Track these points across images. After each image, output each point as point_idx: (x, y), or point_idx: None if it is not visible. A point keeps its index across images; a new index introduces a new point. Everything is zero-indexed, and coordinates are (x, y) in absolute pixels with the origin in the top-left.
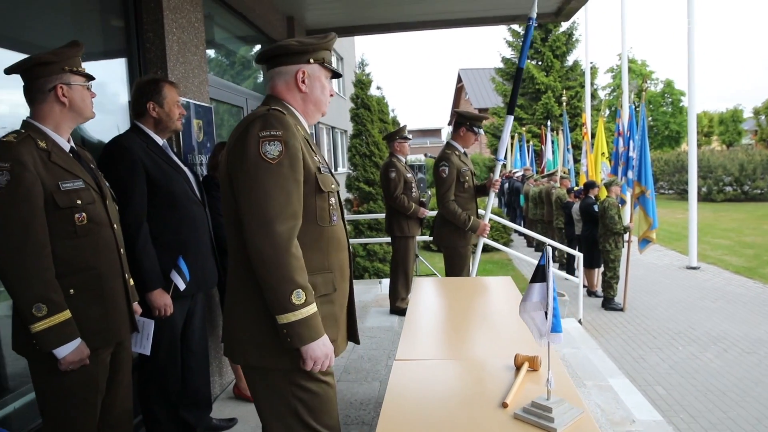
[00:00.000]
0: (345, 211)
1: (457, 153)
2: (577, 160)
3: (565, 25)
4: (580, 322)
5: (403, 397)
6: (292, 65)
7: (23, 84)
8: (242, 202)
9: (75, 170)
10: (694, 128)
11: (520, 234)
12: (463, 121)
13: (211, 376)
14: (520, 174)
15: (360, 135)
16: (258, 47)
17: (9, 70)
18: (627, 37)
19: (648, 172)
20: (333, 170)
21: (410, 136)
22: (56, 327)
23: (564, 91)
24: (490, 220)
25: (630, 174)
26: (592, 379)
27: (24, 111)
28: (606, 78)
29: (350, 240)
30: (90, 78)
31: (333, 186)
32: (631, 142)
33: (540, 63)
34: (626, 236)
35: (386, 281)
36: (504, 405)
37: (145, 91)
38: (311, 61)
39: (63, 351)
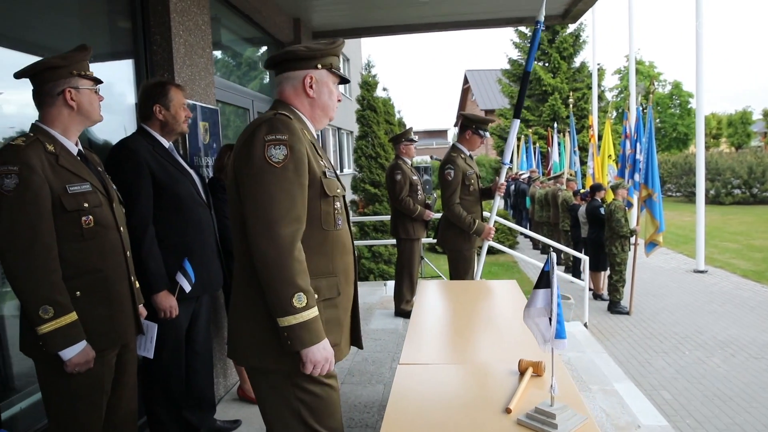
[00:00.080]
0: (351, 213)
1: (462, 156)
2: (583, 162)
3: (572, 27)
4: (585, 325)
5: (407, 401)
6: (299, 70)
7: (32, 88)
8: (247, 205)
9: (82, 173)
10: (702, 130)
11: (526, 236)
12: (469, 124)
13: (215, 377)
14: (526, 176)
15: (366, 136)
16: (264, 49)
17: (18, 75)
18: (635, 39)
19: (655, 174)
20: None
21: (416, 139)
22: (62, 329)
23: (571, 93)
24: (496, 222)
25: (637, 177)
26: (597, 384)
27: (31, 111)
28: (613, 79)
29: (355, 241)
30: (98, 82)
31: (338, 190)
32: (638, 144)
33: (547, 64)
34: (633, 239)
35: (391, 283)
36: (507, 410)
37: (151, 94)
38: (319, 66)
39: (69, 353)
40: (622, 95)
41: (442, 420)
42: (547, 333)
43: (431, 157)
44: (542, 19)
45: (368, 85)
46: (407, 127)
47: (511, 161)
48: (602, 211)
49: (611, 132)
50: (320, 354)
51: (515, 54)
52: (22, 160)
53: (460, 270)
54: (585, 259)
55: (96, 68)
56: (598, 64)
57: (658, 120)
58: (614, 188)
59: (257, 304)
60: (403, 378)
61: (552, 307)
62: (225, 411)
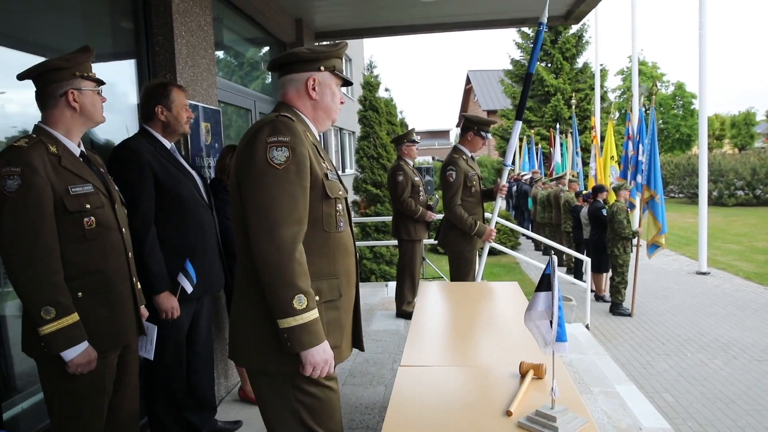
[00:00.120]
0: (353, 213)
1: (464, 157)
2: (586, 163)
3: (575, 27)
4: (587, 327)
5: (408, 404)
6: (302, 73)
7: (35, 89)
8: (249, 207)
9: (85, 175)
10: (705, 131)
11: (528, 237)
12: (470, 126)
13: (216, 378)
14: (528, 177)
15: (368, 137)
16: (266, 49)
17: (21, 76)
18: (637, 39)
19: (657, 176)
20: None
21: (418, 140)
22: (64, 330)
23: (573, 94)
24: (497, 223)
25: (639, 178)
26: (599, 386)
27: (33, 110)
28: (616, 80)
29: (357, 242)
30: (100, 83)
31: (340, 192)
32: (640, 146)
33: (549, 65)
34: (635, 241)
35: (393, 284)
36: (508, 413)
37: (153, 95)
38: (322, 68)
39: (71, 353)
40: (624, 96)
41: (442, 422)
42: (548, 336)
43: (433, 158)
44: (545, 20)
45: (370, 85)
46: (409, 128)
47: (513, 163)
48: (604, 212)
49: (614, 133)
50: (320, 356)
51: (518, 54)
52: (25, 162)
53: (461, 271)
54: (587, 261)
55: (98, 68)
56: (601, 65)
57: (660, 121)
58: (616, 190)
59: (258, 306)
60: (404, 380)
61: (553, 310)
62: (226, 412)
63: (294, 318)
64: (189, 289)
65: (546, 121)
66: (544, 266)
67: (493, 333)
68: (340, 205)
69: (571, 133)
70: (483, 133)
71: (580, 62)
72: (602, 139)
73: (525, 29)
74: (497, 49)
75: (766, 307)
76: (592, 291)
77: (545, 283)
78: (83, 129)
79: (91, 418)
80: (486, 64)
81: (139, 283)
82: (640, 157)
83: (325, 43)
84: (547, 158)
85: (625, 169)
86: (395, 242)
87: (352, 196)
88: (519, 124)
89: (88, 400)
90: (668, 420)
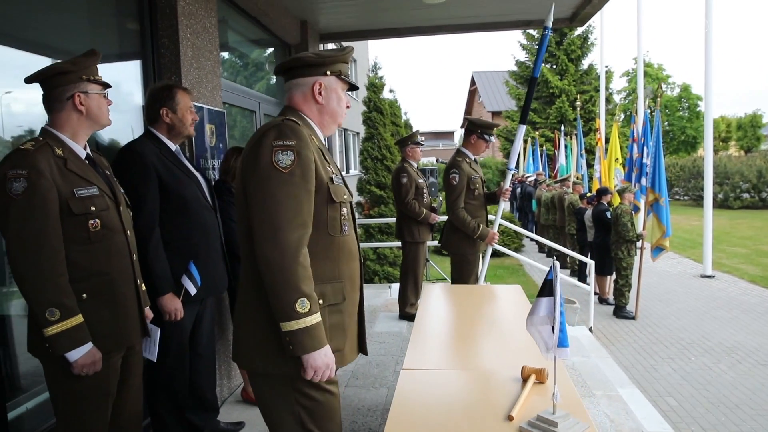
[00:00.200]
0: (356, 214)
1: (467, 160)
2: (590, 165)
3: (580, 29)
4: (590, 329)
5: (410, 407)
6: (309, 77)
7: (42, 92)
8: (253, 210)
9: (90, 177)
10: (710, 133)
11: (532, 239)
12: (474, 129)
13: (219, 379)
14: (532, 179)
15: (372, 138)
16: (271, 51)
17: (29, 80)
18: (643, 41)
19: (662, 179)
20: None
21: (422, 142)
22: (68, 331)
23: (578, 96)
24: (501, 225)
25: (644, 181)
26: (602, 389)
27: (39, 109)
28: (621, 82)
29: (361, 243)
30: (106, 86)
31: (345, 196)
32: (645, 148)
33: (554, 66)
34: (639, 244)
35: (396, 286)
36: (509, 418)
37: (158, 98)
38: (328, 73)
39: (75, 354)
40: (630, 98)
41: (444, 426)
42: (549, 341)
43: (437, 160)
44: (550, 24)
45: (375, 86)
46: (413, 130)
47: (517, 164)
48: (608, 215)
49: (619, 135)
50: (321, 360)
51: (523, 56)
52: (31, 164)
53: (463, 274)
54: (591, 263)
55: (104, 70)
56: (606, 67)
57: (666, 123)
58: (621, 192)
59: (261, 308)
60: (406, 383)
61: (555, 315)
62: (228, 413)
63: (296, 321)
64: (192, 291)
65: (551, 122)
66: (547, 269)
67: (496, 336)
68: (344, 209)
69: (575, 134)
70: (486, 136)
71: (585, 64)
72: (607, 141)
73: (530, 31)
74: (502, 50)
75: None
76: (595, 294)
77: (547, 288)
78: (89, 132)
79: (95, 418)
80: (491, 65)
81: (143, 285)
82: (644, 160)
83: (330, 47)
84: (551, 160)
85: (630, 171)
86: (399, 244)
87: (355, 198)
88: (523, 129)
89: (92, 401)
90: (671, 424)
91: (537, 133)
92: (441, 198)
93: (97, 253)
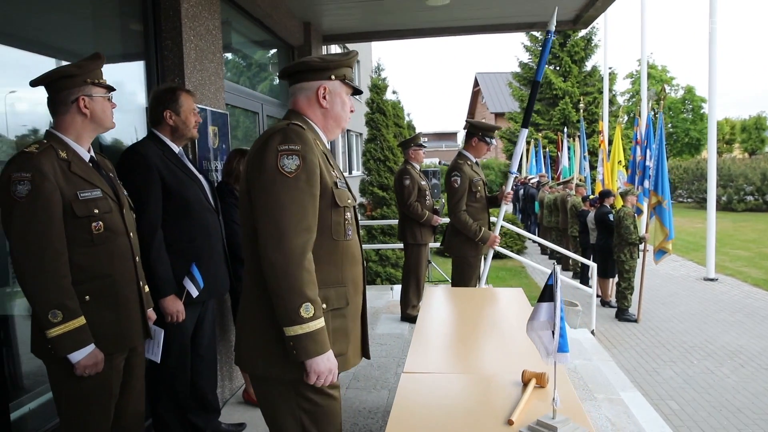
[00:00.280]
0: (359, 215)
1: (469, 163)
2: (593, 168)
3: (583, 31)
4: (592, 332)
5: (410, 410)
6: (313, 81)
7: (47, 96)
8: (258, 214)
9: (93, 180)
10: (714, 135)
11: (534, 241)
12: (475, 131)
13: (221, 380)
14: (535, 180)
15: (375, 140)
16: (274, 52)
17: (34, 83)
18: (647, 43)
19: (665, 181)
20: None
21: (425, 144)
22: (71, 333)
23: (582, 97)
24: (503, 227)
25: (646, 183)
26: (603, 392)
27: (43, 109)
28: (625, 84)
29: (363, 245)
30: (111, 89)
31: (349, 201)
32: (648, 150)
33: (558, 68)
34: (641, 246)
35: (398, 287)
36: (509, 422)
37: (162, 100)
38: (333, 77)
39: (77, 356)
40: (633, 100)
41: (444, 429)
42: (550, 346)
43: (440, 162)
44: (553, 28)
45: (378, 88)
46: (416, 131)
47: (520, 168)
48: (611, 217)
49: (622, 137)
50: (324, 365)
51: (526, 57)
52: (35, 167)
53: (464, 276)
54: (593, 266)
55: (107, 71)
56: (610, 68)
57: (670, 125)
58: (624, 195)
59: (264, 312)
60: (406, 386)
61: (555, 320)
62: (230, 414)
63: (301, 326)
64: (195, 293)
65: (554, 124)
66: (549, 271)
67: (497, 340)
68: (348, 214)
69: (578, 136)
70: (487, 139)
71: (588, 65)
72: (610, 143)
73: (534, 32)
74: (506, 51)
75: None
76: (598, 296)
77: (548, 293)
78: (93, 134)
79: (98, 419)
80: (494, 66)
81: (147, 287)
82: (647, 162)
83: (334, 49)
84: (554, 162)
85: (633, 173)
86: (401, 245)
87: (358, 198)
88: (525, 132)
89: (95, 402)
90: (673, 428)
91: (540, 134)
92: (443, 199)
93: (99, 256)
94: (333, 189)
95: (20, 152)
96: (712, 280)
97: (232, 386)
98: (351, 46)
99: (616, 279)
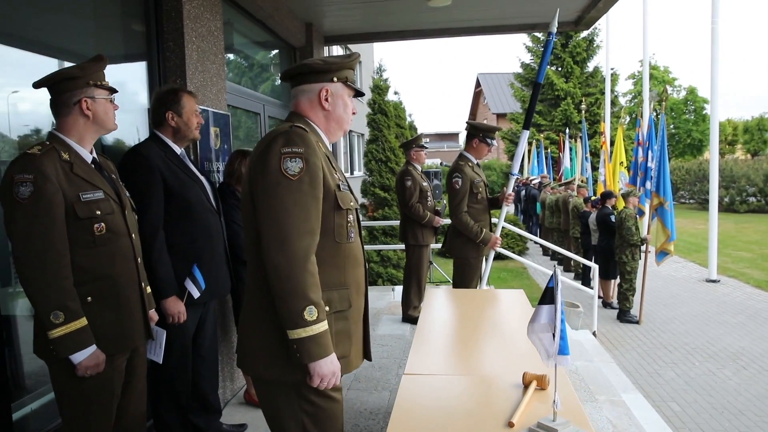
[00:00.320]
0: (360, 216)
1: (470, 164)
2: (595, 169)
3: (585, 31)
4: (594, 333)
5: (411, 412)
6: (315, 83)
7: (50, 97)
8: (261, 217)
9: (96, 181)
10: (716, 136)
11: (536, 242)
12: (475, 133)
13: (222, 381)
14: (537, 181)
15: (376, 140)
16: (276, 53)
17: (37, 85)
18: (649, 43)
19: (667, 183)
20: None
21: (427, 145)
22: (72, 334)
23: (583, 98)
24: (505, 228)
25: (648, 185)
26: (605, 394)
27: (45, 109)
28: (627, 84)
29: (364, 245)
30: (113, 91)
31: (352, 203)
32: (650, 152)
33: (560, 69)
34: (643, 247)
35: (399, 288)
36: (510, 424)
37: (164, 101)
38: (335, 79)
39: (79, 357)
40: (635, 100)
41: (445, 430)
42: (550, 348)
43: (441, 163)
44: (555, 30)
45: (379, 88)
46: (418, 132)
47: (521, 169)
48: (613, 218)
49: (624, 138)
50: (327, 368)
51: (528, 58)
52: (37, 169)
53: (465, 278)
54: (595, 267)
55: (109, 72)
56: (612, 69)
57: (672, 126)
58: (625, 196)
59: (267, 315)
60: (407, 388)
61: (556, 323)
62: (231, 415)
63: (304, 329)
64: (196, 294)
65: (555, 125)
66: (551, 272)
67: (498, 342)
68: (351, 216)
69: (580, 137)
70: (488, 140)
71: (590, 66)
72: (612, 144)
73: (536, 33)
74: (507, 52)
75: None
76: (599, 297)
77: (548, 296)
78: (96, 136)
79: (100, 419)
80: (496, 67)
81: (149, 288)
82: (649, 164)
83: (336, 51)
84: (556, 163)
85: (635, 175)
86: (402, 246)
87: (359, 199)
88: (526, 134)
89: (97, 402)
90: (675, 430)
91: (542, 135)
92: (445, 201)
93: (101, 257)
94: (336, 192)
95: (23, 154)
96: (714, 281)
97: (233, 387)
98: (353, 47)
99: (618, 280)
